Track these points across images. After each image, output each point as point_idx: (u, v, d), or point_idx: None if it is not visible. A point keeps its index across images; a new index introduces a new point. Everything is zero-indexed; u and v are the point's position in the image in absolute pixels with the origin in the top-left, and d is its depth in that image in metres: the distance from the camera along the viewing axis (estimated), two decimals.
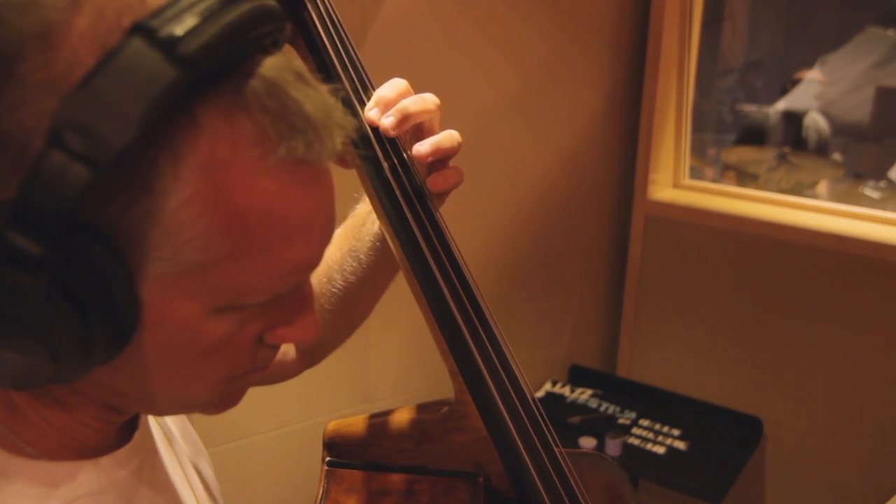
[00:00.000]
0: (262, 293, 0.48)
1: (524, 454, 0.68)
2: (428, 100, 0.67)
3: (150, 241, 0.43)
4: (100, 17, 0.41)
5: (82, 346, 0.44)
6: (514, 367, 0.70)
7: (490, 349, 0.69)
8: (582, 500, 0.73)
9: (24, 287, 0.40)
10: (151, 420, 0.65)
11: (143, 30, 0.40)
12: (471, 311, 0.68)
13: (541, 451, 0.70)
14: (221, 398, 0.55)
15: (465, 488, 0.69)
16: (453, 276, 0.69)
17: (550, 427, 0.72)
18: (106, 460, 0.56)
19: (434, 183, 0.68)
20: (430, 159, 0.67)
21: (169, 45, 0.40)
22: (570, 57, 2.01)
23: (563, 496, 0.71)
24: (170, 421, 0.71)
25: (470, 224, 1.92)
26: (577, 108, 2.08)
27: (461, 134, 0.69)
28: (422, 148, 0.67)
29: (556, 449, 0.72)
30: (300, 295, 0.53)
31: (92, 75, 0.39)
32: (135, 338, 0.46)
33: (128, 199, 0.42)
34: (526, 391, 0.71)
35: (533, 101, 1.97)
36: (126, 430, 0.60)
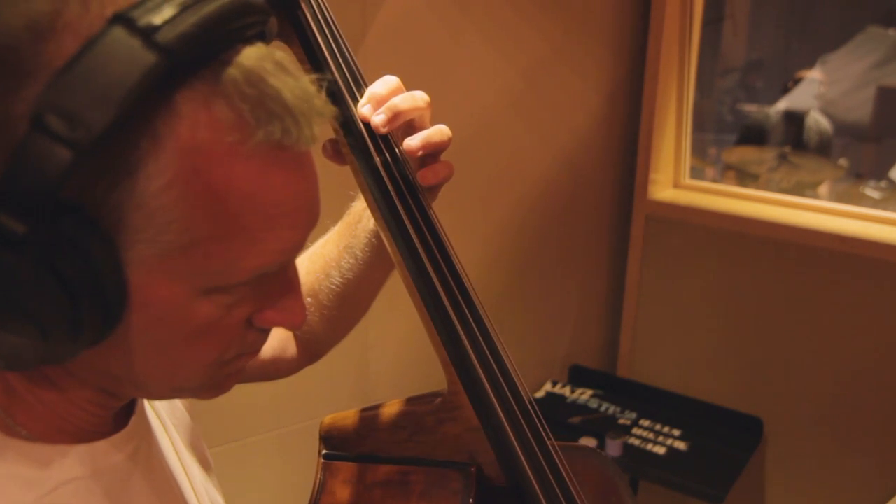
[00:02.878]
0: (245, 273, 0.49)
1: (515, 443, 0.70)
2: (418, 97, 0.69)
3: (133, 223, 0.45)
4: (85, 9, 0.43)
5: (72, 326, 0.45)
6: (504, 357, 0.72)
7: (480, 339, 0.70)
8: (572, 489, 0.74)
9: (11, 266, 0.42)
10: (148, 408, 0.66)
11: (123, 19, 0.42)
12: (461, 302, 0.70)
13: (531, 440, 0.72)
14: (213, 382, 0.56)
15: (458, 478, 0.70)
16: (444, 267, 0.70)
17: (541, 418, 0.74)
18: (101, 444, 0.57)
19: (424, 177, 0.70)
20: (420, 153, 0.69)
21: (147, 33, 0.41)
22: (570, 57, 2.01)
23: (554, 485, 0.72)
24: (165, 412, 0.71)
25: (470, 224, 1.92)
26: (577, 108, 2.08)
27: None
28: (412, 142, 0.69)
29: (546, 439, 0.73)
30: (286, 280, 0.54)
31: (73, 61, 0.41)
32: (123, 320, 0.47)
33: (111, 182, 0.43)
34: (517, 381, 0.72)
35: (533, 101, 1.97)
36: (123, 415, 0.61)
